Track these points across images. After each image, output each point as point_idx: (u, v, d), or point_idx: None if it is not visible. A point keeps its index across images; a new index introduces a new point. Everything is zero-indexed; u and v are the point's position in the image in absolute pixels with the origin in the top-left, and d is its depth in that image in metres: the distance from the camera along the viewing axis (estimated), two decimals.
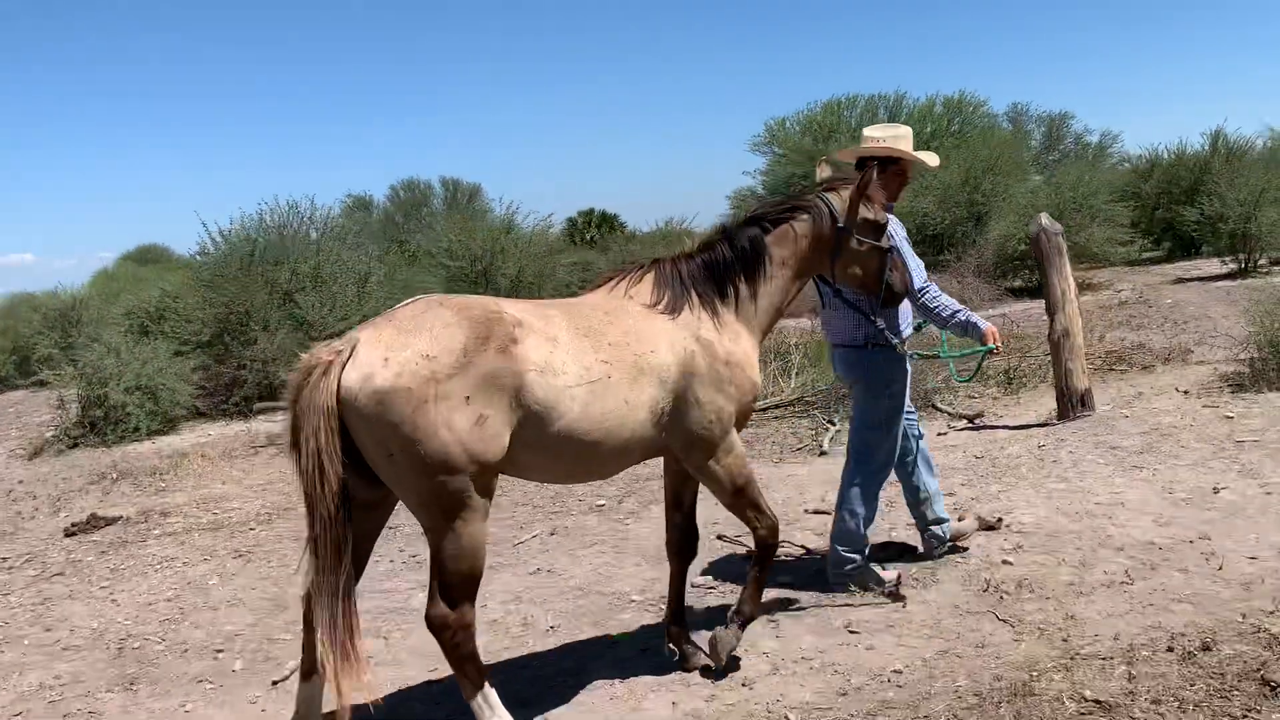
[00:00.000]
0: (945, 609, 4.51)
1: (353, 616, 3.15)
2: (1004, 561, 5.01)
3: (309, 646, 3.46)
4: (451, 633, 3.29)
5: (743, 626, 4.01)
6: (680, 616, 4.15)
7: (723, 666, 3.98)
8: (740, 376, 3.75)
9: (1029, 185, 18.68)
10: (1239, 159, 21.55)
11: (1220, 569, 4.61)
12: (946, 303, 4.94)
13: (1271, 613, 4.08)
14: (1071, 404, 7.79)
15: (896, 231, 4.61)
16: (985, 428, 8.17)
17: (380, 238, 25.89)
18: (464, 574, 3.27)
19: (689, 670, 4.06)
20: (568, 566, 5.68)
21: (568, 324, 3.45)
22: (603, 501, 7.02)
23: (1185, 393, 8.29)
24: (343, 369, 3.09)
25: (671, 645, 4.14)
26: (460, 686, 3.41)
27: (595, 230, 44.87)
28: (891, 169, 4.69)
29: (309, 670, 3.50)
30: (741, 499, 3.89)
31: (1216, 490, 5.75)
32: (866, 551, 4.84)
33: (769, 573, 4.11)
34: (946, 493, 5.78)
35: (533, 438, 3.29)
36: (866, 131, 4.85)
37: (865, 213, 4.03)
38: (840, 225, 3.99)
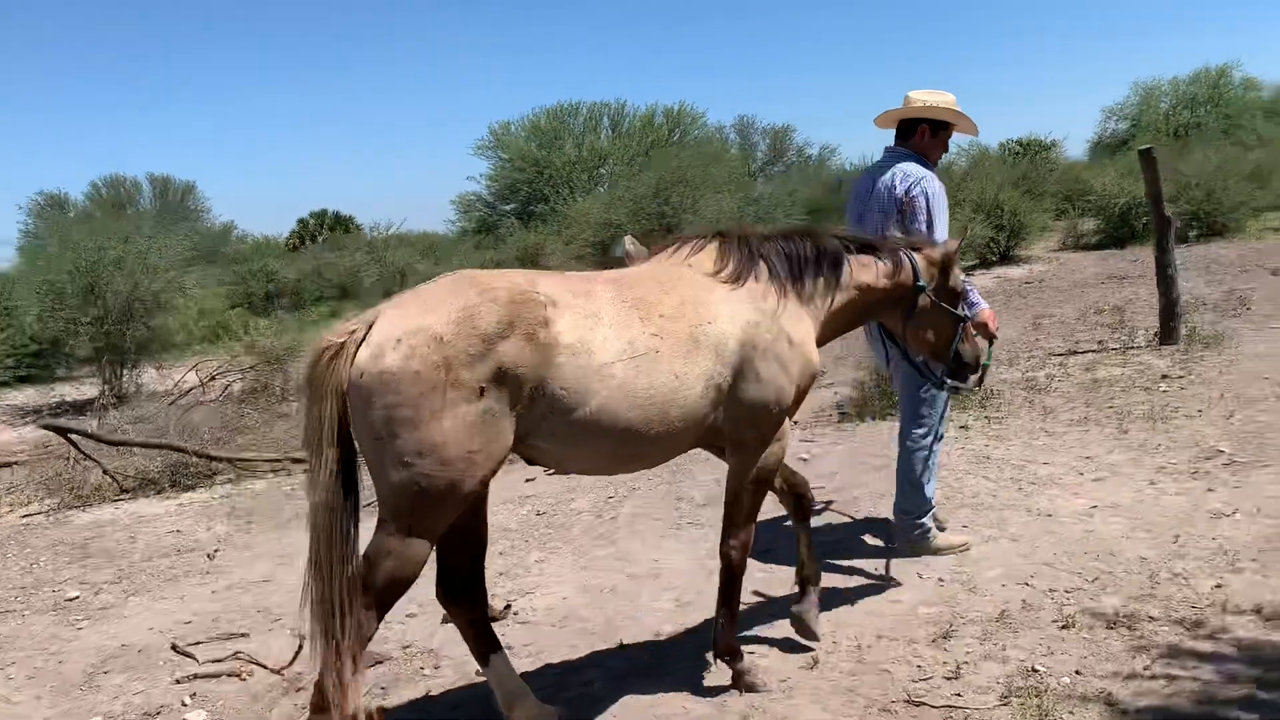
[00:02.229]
0: None
1: (358, 624, 2.96)
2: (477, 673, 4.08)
3: (474, 638, 3.42)
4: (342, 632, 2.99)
5: (733, 663, 3.78)
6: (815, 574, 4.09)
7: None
8: (803, 357, 3.57)
9: (718, 198, 18.44)
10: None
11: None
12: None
13: None
14: None
15: (935, 189, 4.60)
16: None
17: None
18: (394, 579, 3.01)
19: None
20: None
21: (614, 296, 3.25)
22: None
23: (795, 423, 7.83)
24: (357, 349, 2.92)
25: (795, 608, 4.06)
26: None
27: (328, 231, 42.51)
28: (942, 134, 4.79)
29: (484, 652, 3.43)
30: (756, 494, 3.70)
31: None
32: (932, 515, 4.89)
33: (738, 593, 3.81)
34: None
35: (559, 425, 3.08)
36: (912, 95, 4.73)
37: (947, 278, 3.97)
38: (919, 284, 3.88)
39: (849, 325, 4.00)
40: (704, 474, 6.59)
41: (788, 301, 3.58)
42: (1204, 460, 6.01)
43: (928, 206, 4.52)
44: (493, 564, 5.43)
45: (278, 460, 8.47)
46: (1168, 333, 9.47)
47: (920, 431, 4.83)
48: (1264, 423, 6.59)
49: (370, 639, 3.06)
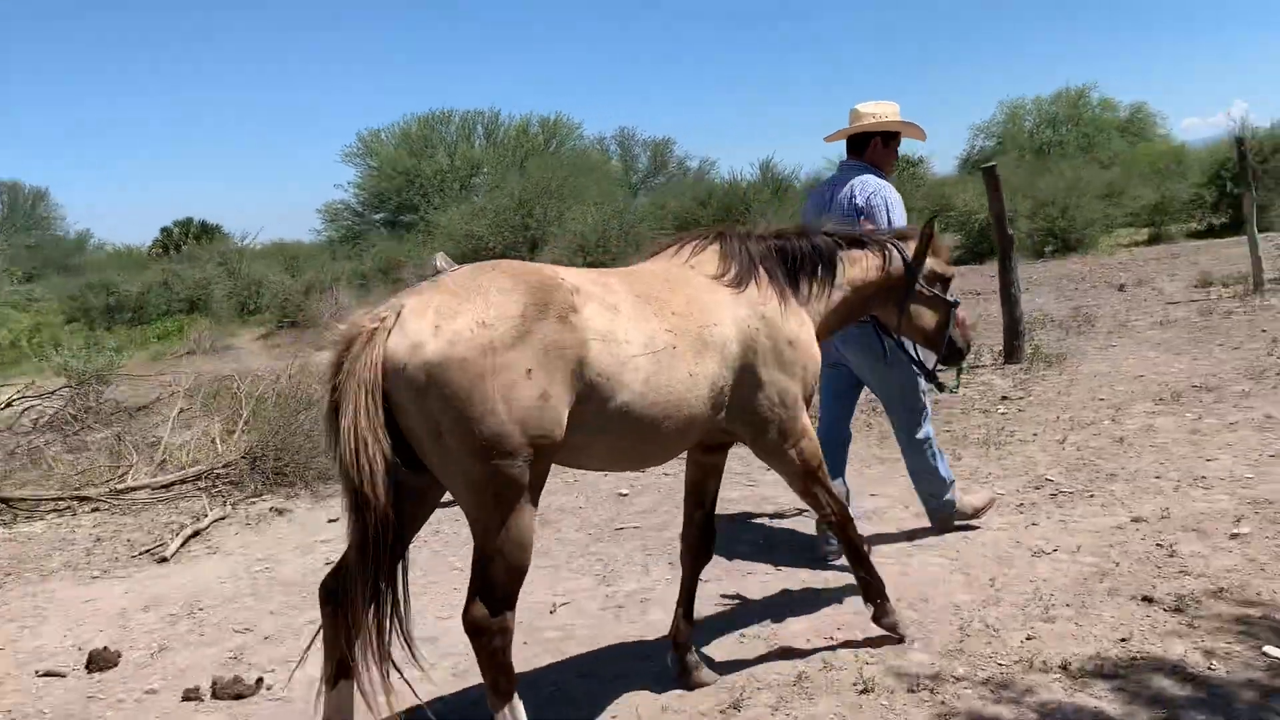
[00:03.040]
0: None
1: (404, 621, 2.98)
2: None
3: (333, 649, 3.07)
4: (490, 637, 2.97)
5: (882, 605, 3.94)
6: (689, 621, 3.85)
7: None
8: (804, 357, 3.60)
9: (584, 210, 18.00)
10: (785, 188, 22.61)
11: None
12: None
13: None
14: None
15: (894, 197, 4.73)
16: None
17: None
18: (510, 570, 2.96)
19: (690, 688, 3.75)
20: None
21: (628, 290, 3.21)
22: None
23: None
24: (387, 337, 2.75)
25: (674, 655, 3.83)
26: (487, 696, 3.07)
27: (193, 241, 40.60)
28: (893, 143, 4.92)
29: (335, 675, 3.10)
30: (813, 483, 3.76)
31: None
32: (954, 489, 5.09)
33: (862, 548, 3.96)
34: None
35: (593, 414, 3.01)
36: (861, 108, 4.87)
37: (932, 262, 4.09)
38: (910, 271, 4.01)
39: (847, 320, 4.08)
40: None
41: (787, 305, 3.61)
42: (1032, 490, 5.79)
43: (887, 211, 4.66)
44: (261, 624, 4.83)
45: (61, 499, 7.61)
46: (1011, 351, 9.42)
47: (920, 433, 4.97)
48: (1095, 448, 6.44)
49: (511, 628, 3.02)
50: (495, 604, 2.96)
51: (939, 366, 4.37)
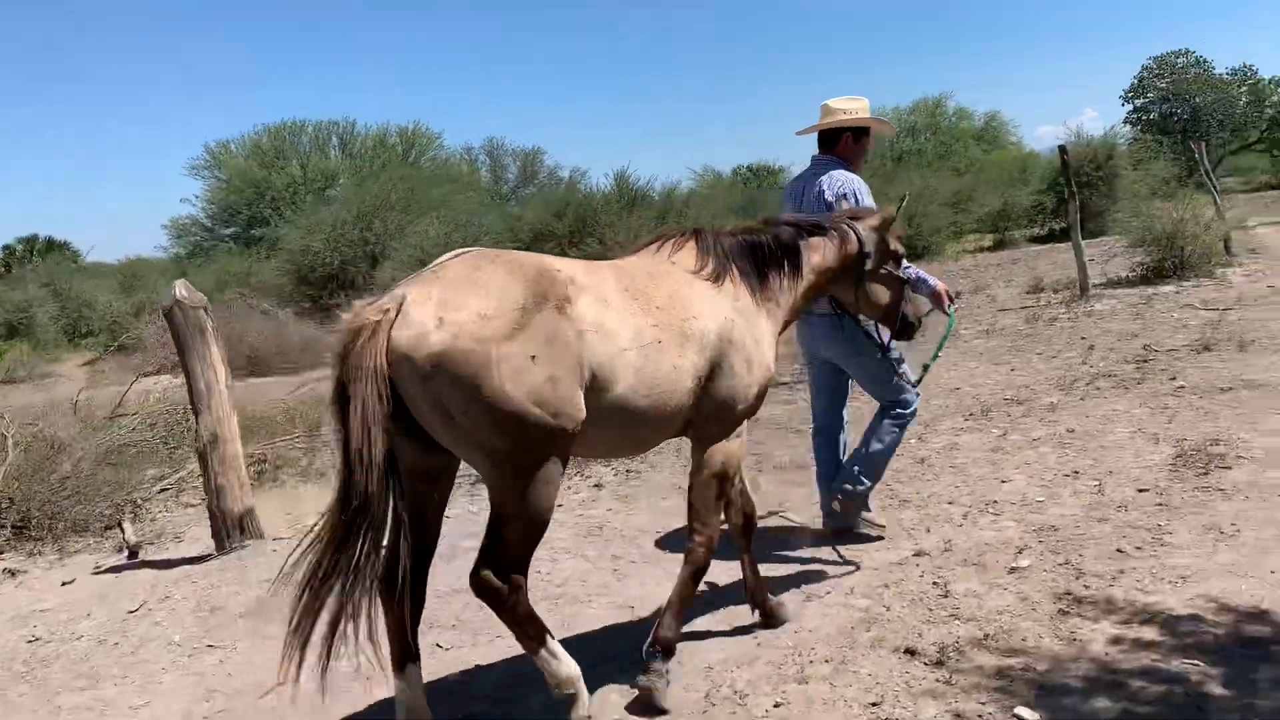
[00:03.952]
0: None
1: (402, 607, 3.05)
2: None
3: (396, 635, 3.23)
4: (502, 596, 3.08)
5: (666, 657, 3.61)
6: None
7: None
8: (764, 357, 3.70)
9: (424, 224, 17.25)
10: (641, 199, 22.25)
11: None
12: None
13: None
14: (227, 531, 5.88)
15: (864, 188, 4.77)
16: (139, 565, 6.01)
17: None
18: (525, 539, 3.06)
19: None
20: None
21: (616, 284, 3.30)
22: None
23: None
24: (391, 329, 2.81)
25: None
26: (522, 646, 3.23)
27: (39, 258, 38.14)
28: (864, 139, 4.96)
29: (401, 659, 3.25)
30: (720, 489, 3.73)
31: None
32: (873, 491, 5.01)
33: (693, 592, 3.75)
34: None
35: (590, 404, 3.07)
36: (832, 104, 4.92)
37: (888, 243, 4.23)
38: (865, 251, 4.13)
39: (808, 304, 4.21)
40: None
41: (758, 302, 3.74)
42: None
43: (857, 202, 4.68)
44: None
45: None
46: None
47: (905, 410, 4.90)
48: (895, 470, 6.12)
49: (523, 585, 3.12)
50: (507, 565, 3.06)
51: (893, 342, 4.54)
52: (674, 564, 4.08)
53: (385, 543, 2.98)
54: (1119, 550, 4.53)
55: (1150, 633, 3.72)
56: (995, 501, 5.39)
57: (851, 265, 4.14)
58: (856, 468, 4.86)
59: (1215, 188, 15.67)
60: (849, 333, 4.72)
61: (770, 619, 4.14)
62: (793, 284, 3.93)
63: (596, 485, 6.62)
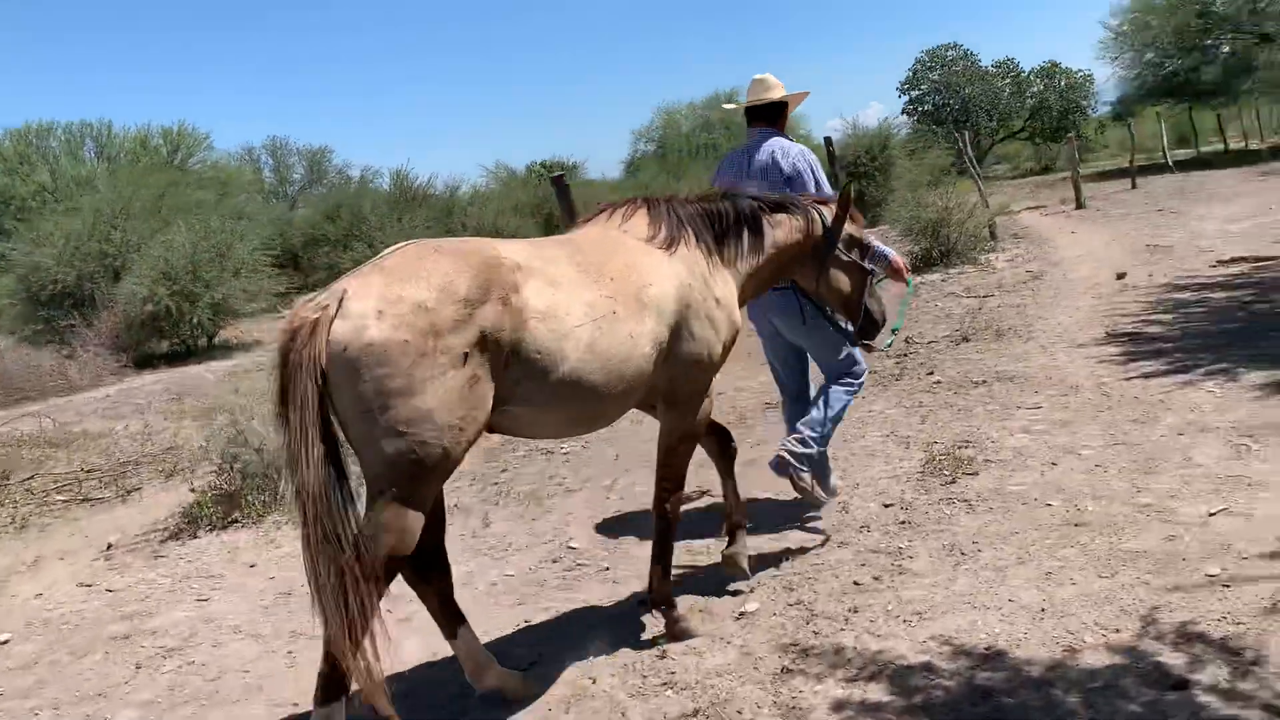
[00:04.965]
0: None
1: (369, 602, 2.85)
2: None
3: (439, 610, 3.41)
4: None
5: (668, 612, 3.85)
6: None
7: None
8: (728, 316, 3.73)
9: (168, 234, 15.59)
10: (422, 197, 21.23)
11: None
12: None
13: None
14: None
15: (813, 159, 4.85)
16: None
17: None
18: (394, 553, 2.91)
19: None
20: None
21: (568, 260, 3.31)
22: None
23: (106, 552, 5.78)
24: (330, 324, 2.78)
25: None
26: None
27: None
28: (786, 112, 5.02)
29: (452, 625, 3.43)
30: (688, 450, 3.87)
31: None
32: (826, 449, 4.90)
33: (672, 537, 3.93)
34: None
35: (534, 390, 3.12)
36: (769, 79, 4.96)
37: (849, 228, 4.24)
38: (828, 232, 4.15)
39: (769, 282, 4.20)
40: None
41: (715, 264, 3.74)
42: (548, 563, 4.81)
43: (813, 173, 4.75)
44: None
45: None
46: None
47: (851, 383, 4.83)
48: (639, 495, 5.61)
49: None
50: (372, 576, 2.87)
51: (861, 341, 4.46)
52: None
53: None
54: (855, 583, 4.08)
55: (877, 691, 3.24)
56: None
57: (814, 248, 4.15)
58: (806, 431, 4.67)
59: (978, 174, 16.11)
60: (801, 306, 4.68)
61: (734, 556, 4.14)
62: (752, 254, 3.94)
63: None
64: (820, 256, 4.17)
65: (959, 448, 5.54)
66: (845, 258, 4.22)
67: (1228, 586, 3.56)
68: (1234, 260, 10.66)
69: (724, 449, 4.20)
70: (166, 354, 15.85)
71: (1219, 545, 3.91)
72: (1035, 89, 47.21)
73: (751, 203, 3.98)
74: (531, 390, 3.11)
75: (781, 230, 4.05)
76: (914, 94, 48.16)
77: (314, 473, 2.79)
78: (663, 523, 3.86)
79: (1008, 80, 47.79)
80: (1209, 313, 8.33)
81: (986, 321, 9.13)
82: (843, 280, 4.24)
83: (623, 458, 6.49)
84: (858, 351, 4.84)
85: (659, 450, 3.84)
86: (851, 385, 4.84)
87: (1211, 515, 4.19)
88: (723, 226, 3.84)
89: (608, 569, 4.65)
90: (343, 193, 21.38)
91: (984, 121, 46.65)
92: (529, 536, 5.24)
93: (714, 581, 4.28)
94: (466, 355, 2.88)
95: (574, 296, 3.20)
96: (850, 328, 4.44)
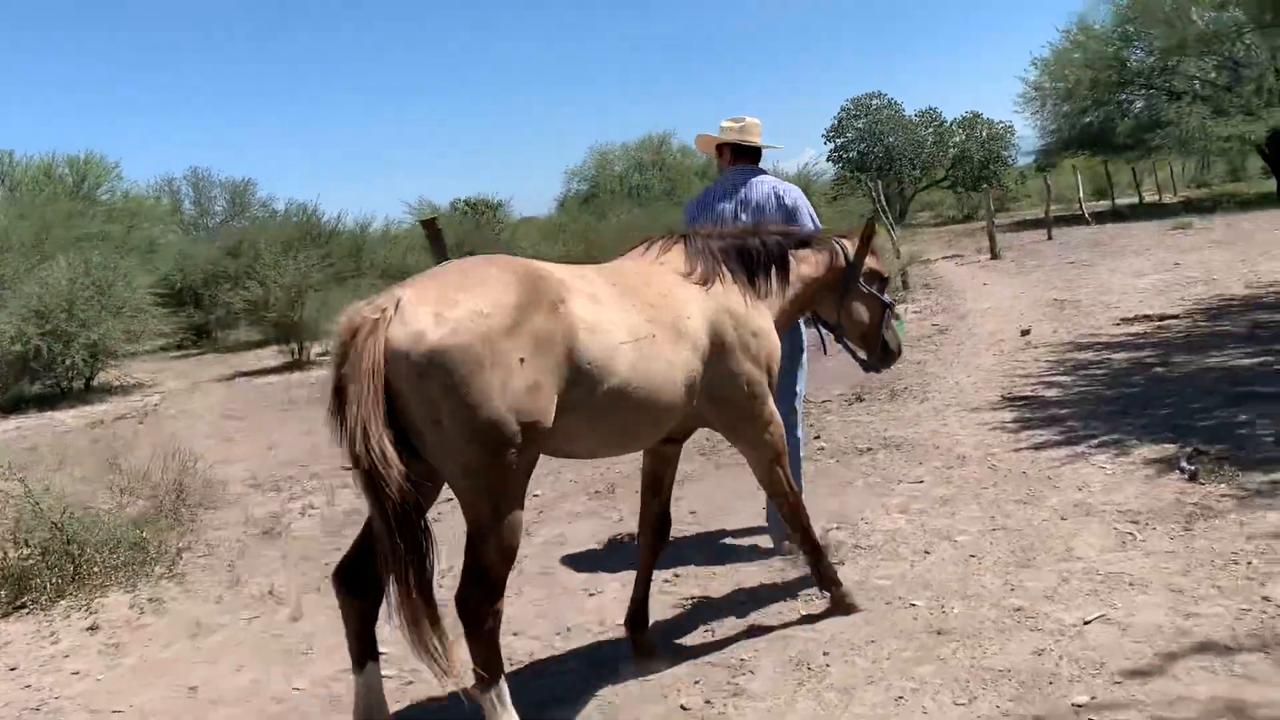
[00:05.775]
0: None
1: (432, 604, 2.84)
2: None
3: (356, 634, 3.17)
4: (482, 620, 2.95)
5: (836, 590, 4.10)
6: (645, 606, 3.98)
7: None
8: (768, 347, 3.81)
9: (46, 269, 14.63)
10: (327, 234, 20.46)
11: None
12: None
13: None
14: None
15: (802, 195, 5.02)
16: None
17: None
18: (504, 553, 2.98)
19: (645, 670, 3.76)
20: None
21: (605, 284, 3.35)
22: None
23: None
24: (388, 327, 2.79)
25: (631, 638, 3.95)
26: (475, 679, 3.00)
27: None
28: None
29: (362, 658, 3.17)
30: (776, 467, 3.95)
31: None
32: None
33: (814, 535, 4.14)
34: None
35: (582, 399, 3.09)
36: (750, 123, 5.01)
37: (870, 262, 4.35)
38: (849, 266, 4.26)
39: (797, 314, 4.32)
40: None
41: (749, 299, 3.80)
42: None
43: (808, 208, 4.89)
44: None
45: None
46: None
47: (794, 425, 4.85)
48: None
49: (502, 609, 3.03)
50: (487, 587, 2.94)
51: (876, 367, 4.55)
52: None
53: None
54: (682, 707, 3.52)
55: None
56: (569, 629, 4.31)
57: (836, 281, 4.26)
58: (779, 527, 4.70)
59: (890, 223, 15.94)
60: (821, 336, 4.76)
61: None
62: (780, 290, 4.02)
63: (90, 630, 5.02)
64: (842, 289, 4.28)
65: (828, 531, 5.02)
66: (865, 290, 4.34)
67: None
68: (1137, 319, 10.48)
69: (657, 534, 4.06)
70: (38, 396, 14.84)
71: (1091, 662, 3.45)
72: (957, 138, 47.93)
73: (777, 239, 4.07)
74: (579, 400, 3.09)
75: (808, 265, 4.19)
76: (839, 141, 48.60)
77: (389, 461, 2.72)
78: (794, 526, 4.08)
79: (930, 130, 48.48)
80: (1109, 375, 8.04)
81: (883, 380, 8.73)
82: (862, 312, 4.37)
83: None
84: (798, 409, 4.98)
85: (760, 483, 4.07)
86: (794, 426, 4.85)
87: (1086, 624, 3.74)
88: (754, 262, 3.92)
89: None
90: (242, 229, 20.51)
91: (907, 170, 47.18)
92: None
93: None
94: (523, 360, 2.88)
95: (615, 315, 3.23)
96: (866, 357, 4.54)
